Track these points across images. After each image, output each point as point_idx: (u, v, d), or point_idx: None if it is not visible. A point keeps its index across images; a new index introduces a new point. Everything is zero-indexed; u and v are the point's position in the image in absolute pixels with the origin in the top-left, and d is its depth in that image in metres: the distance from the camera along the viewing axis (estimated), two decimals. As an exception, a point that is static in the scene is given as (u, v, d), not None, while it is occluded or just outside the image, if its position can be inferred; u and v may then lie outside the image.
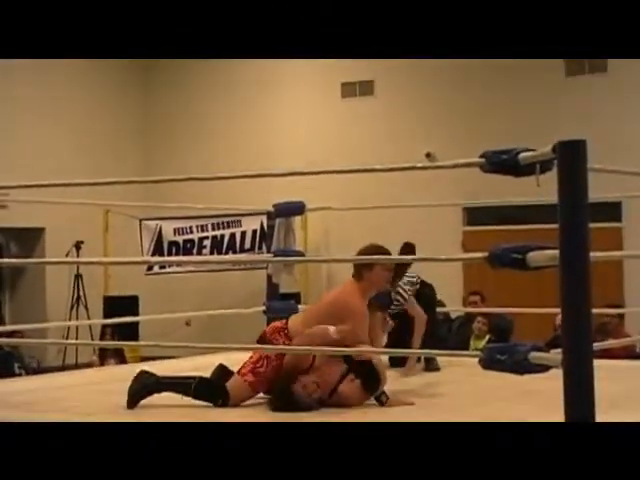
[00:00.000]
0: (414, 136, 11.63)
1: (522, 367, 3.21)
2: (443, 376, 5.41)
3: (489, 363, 3.27)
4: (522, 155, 3.25)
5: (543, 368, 3.18)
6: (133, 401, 4.40)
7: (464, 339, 8.37)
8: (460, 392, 4.86)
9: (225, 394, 4.34)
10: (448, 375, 5.42)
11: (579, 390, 2.92)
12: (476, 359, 3.35)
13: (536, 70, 10.87)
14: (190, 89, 13.11)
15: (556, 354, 3.06)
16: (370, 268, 4.61)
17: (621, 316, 8.53)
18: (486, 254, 3.32)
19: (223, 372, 4.51)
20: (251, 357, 4.50)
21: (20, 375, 8.59)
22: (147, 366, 6.47)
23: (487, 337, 7.83)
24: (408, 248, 5.82)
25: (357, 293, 4.58)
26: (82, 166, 11.43)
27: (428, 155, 11.87)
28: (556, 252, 3.03)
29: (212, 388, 4.40)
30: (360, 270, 4.63)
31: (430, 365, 5.63)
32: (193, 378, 4.48)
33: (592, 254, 3.03)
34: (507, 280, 8.84)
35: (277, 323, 4.69)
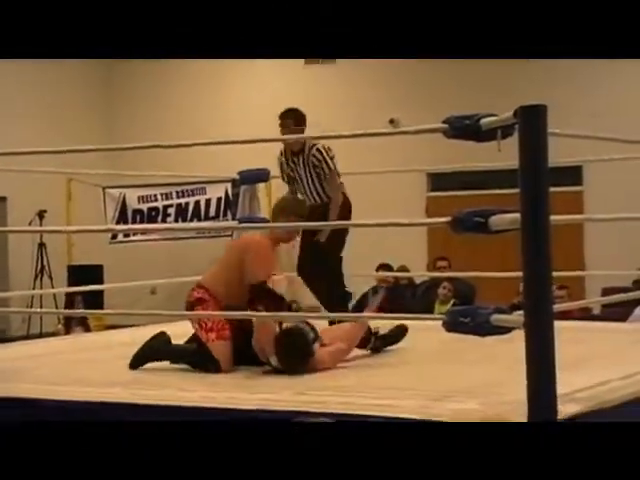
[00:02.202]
0: (377, 103, 11.65)
1: (484, 329, 3.27)
2: (406, 341, 5.38)
3: (452, 326, 3.32)
4: (484, 120, 3.28)
5: (505, 330, 3.24)
6: (138, 363, 4.54)
7: (429, 304, 8.46)
8: (424, 356, 4.90)
9: (215, 362, 4.41)
10: (411, 340, 5.38)
11: (541, 350, 2.97)
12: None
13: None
14: (154, 61, 12.98)
15: (518, 316, 3.11)
16: (282, 217, 4.68)
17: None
18: (449, 218, 3.36)
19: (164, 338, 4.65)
20: (200, 324, 4.56)
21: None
22: (113, 334, 6.50)
23: (452, 302, 7.91)
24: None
25: (265, 238, 4.64)
26: (45, 138, 11.27)
27: (392, 121, 11.98)
28: (517, 215, 3.08)
29: (204, 357, 4.45)
30: (273, 219, 4.74)
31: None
32: (189, 349, 4.59)
33: (552, 217, 3.08)
34: (471, 245, 8.96)
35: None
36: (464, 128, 3.32)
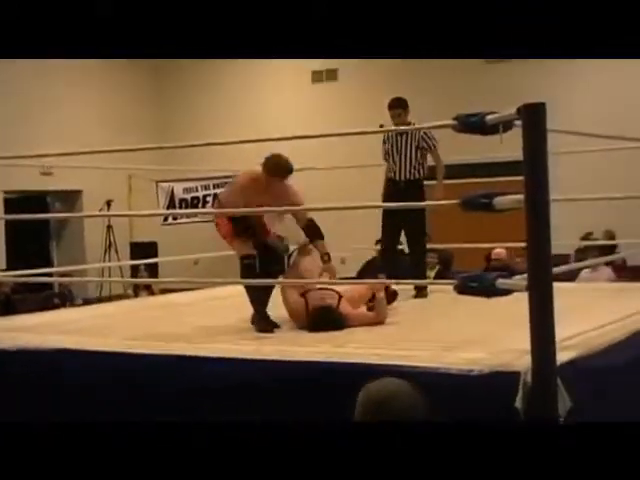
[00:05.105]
0: (369, 112, 11.30)
1: (490, 291, 3.01)
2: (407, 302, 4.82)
3: (463, 289, 3.06)
4: (489, 117, 3.00)
5: (506, 292, 2.98)
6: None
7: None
8: (425, 314, 4.61)
9: None
10: (411, 302, 4.86)
11: (543, 307, 2.72)
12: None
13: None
14: (194, 84, 12.67)
15: (521, 280, 2.85)
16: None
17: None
18: (458, 200, 3.08)
19: None
20: None
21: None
22: (170, 297, 6.21)
23: (437, 267, 7.63)
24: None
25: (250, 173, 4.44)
26: (109, 139, 10.99)
27: (381, 126, 11.49)
28: (520, 197, 2.80)
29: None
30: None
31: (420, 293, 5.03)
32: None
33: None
34: (445, 224, 8.71)
35: None
36: (471, 124, 3.04)
